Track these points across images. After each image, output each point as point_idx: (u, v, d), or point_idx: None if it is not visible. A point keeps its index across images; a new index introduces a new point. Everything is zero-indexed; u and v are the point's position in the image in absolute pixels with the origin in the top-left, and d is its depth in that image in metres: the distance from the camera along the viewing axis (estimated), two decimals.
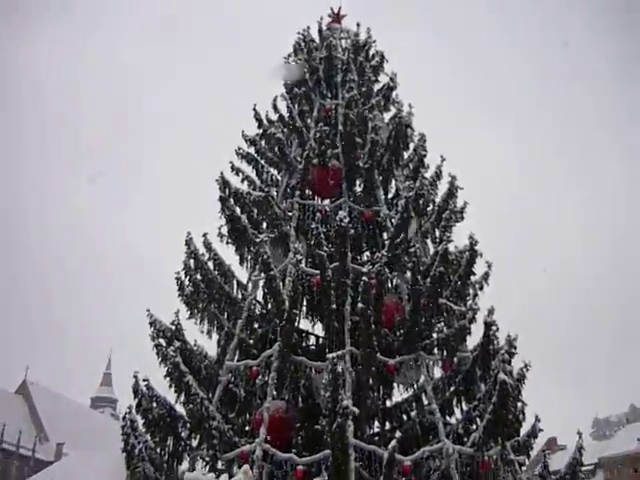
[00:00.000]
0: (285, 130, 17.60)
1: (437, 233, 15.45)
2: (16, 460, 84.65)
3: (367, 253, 16.64)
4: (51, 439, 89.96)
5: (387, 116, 18.35)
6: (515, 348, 13.39)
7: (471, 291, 14.51)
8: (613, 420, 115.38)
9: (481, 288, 14.84)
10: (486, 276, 15.00)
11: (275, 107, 18.80)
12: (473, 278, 14.29)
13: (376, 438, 13.78)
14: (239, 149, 17.96)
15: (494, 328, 12.62)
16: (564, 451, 56.39)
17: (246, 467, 9.03)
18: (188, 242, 15.25)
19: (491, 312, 12.57)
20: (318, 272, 13.24)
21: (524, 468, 15.08)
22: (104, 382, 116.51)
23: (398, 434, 10.77)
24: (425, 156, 16.92)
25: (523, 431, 14.47)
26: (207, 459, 12.90)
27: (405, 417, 14.75)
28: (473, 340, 13.61)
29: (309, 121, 17.71)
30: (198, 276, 14.92)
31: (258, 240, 13.80)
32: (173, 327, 14.29)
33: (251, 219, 15.85)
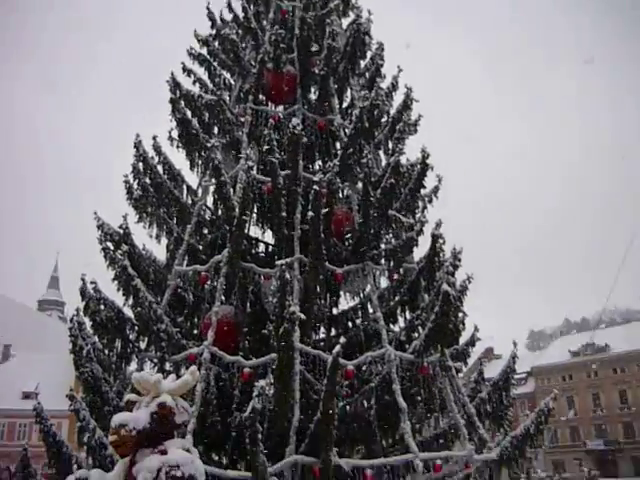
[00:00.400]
0: (239, 31, 16.97)
1: (390, 145, 15.44)
2: None
3: (319, 162, 16.51)
4: None
5: (345, 22, 17.88)
6: (459, 261, 13.75)
7: (420, 204, 14.68)
8: (548, 333, 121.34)
9: (430, 201, 15.03)
10: (436, 190, 15.15)
11: (230, 6, 18.06)
12: (423, 191, 14.41)
13: (322, 344, 14.18)
14: (191, 49, 17.30)
15: (440, 241, 12.87)
16: (499, 360, 59.29)
17: (193, 368, 9.08)
18: (137, 145, 14.85)
19: (439, 225, 12.78)
20: (269, 179, 13.14)
21: (461, 375, 15.85)
22: (51, 285, 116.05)
23: (342, 340, 11.04)
24: (382, 66, 16.61)
25: (462, 340, 15.12)
26: (155, 361, 13.13)
27: (350, 324, 15.20)
28: (420, 252, 13.95)
29: (265, 23, 17.09)
30: (147, 180, 14.65)
31: (209, 145, 13.49)
32: (121, 231, 14.12)
33: (202, 123, 15.47)
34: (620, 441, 66.88)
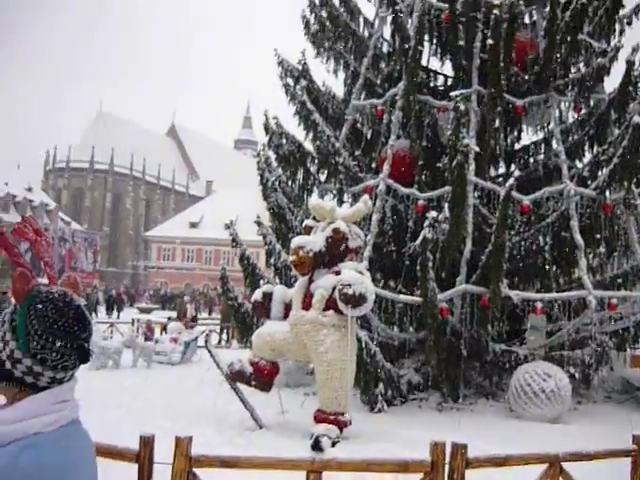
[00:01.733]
0: None
1: None
2: (173, 195, 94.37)
3: None
4: (201, 177, 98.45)
5: None
6: None
7: (617, 27, 13.16)
8: None
9: (630, 23, 13.38)
10: (638, 9, 13.44)
11: None
12: (621, 11, 12.86)
13: (500, 179, 13.90)
14: None
15: (637, 67, 11.65)
16: None
17: (365, 197, 9.54)
18: None
19: (635, 50, 11.49)
20: (447, 6, 12.45)
21: None
22: (245, 125, 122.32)
23: (517, 173, 10.79)
24: None
25: None
26: (334, 192, 13.79)
27: (531, 160, 14.61)
28: (611, 82, 12.75)
29: None
30: (323, 13, 14.55)
31: None
32: (300, 66, 14.43)
33: None
34: None
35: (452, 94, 11.39)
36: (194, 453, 3.89)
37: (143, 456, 3.84)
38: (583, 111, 13.04)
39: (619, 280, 12.81)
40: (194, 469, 3.88)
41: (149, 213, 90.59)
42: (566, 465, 4.67)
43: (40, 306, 1.51)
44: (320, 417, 8.35)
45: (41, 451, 1.42)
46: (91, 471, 1.61)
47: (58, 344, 1.50)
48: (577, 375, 12.48)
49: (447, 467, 4.17)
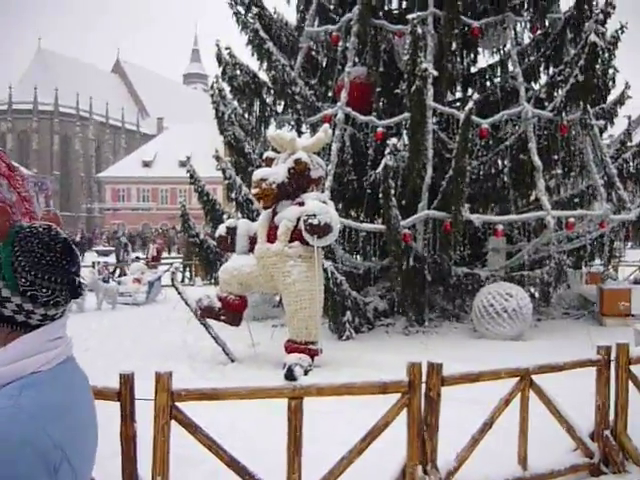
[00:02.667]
0: None
1: None
2: (123, 134, 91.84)
3: None
4: (151, 114, 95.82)
5: None
6: (614, 8, 12.42)
7: None
8: None
9: None
10: None
11: None
12: None
13: (458, 104, 13.86)
14: None
15: None
16: None
17: (326, 126, 9.41)
18: None
19: None
20: None
21: (607, 136, 15.12)
22: (193, 59, 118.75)
23: (476, 96, 10.75)
24: None
25: (610, 99, 14.20)
26: (292, 123, 13.58)
27: (488, 83, 14.56)
28: (568, 2, 12.69)
29: None
30: None
31: None
32: None
33: None
34: None
35: (409, 17, 11.16)
36: (174, 388, 3.89)
37: (124, 393, 3.83)
38: (539, 31, 12.97)
39: (576, 200, 13.11)
40: (176, 403, 3.89)
41: (100, 154, 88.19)
42: (535, 377, 4.84)
43: (25, 241, 1.44)
44: (291, 347, 8.46)
45: (41, 389, 1.38)
46: (90, 406, 1.58)
47: (48, 279, 1.44)
48: (536, 294, 12.88)
49: (423, 386, 4.28)
